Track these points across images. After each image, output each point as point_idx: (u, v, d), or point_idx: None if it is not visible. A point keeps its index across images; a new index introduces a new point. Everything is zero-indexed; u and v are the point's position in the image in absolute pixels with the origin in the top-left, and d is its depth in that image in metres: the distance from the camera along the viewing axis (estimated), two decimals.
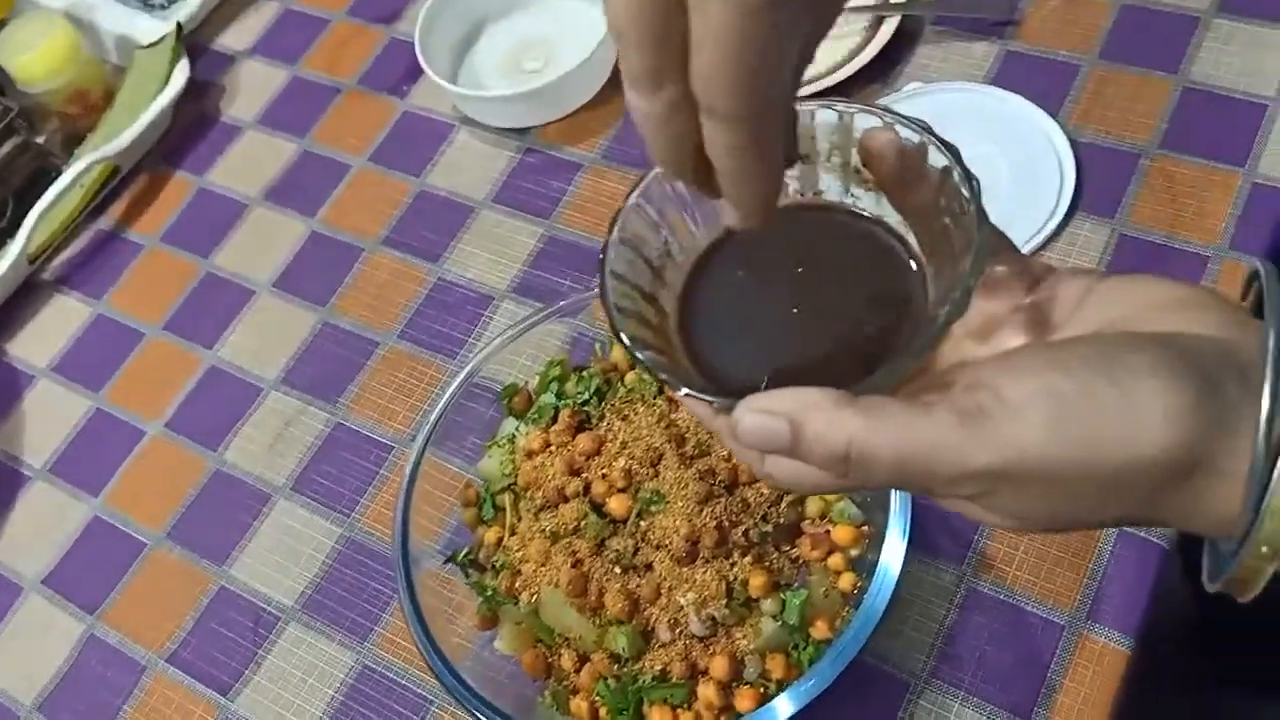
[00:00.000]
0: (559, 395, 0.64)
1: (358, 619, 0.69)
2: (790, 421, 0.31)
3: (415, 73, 0.91)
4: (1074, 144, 0.75)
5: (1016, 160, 0.75)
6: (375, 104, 0.93)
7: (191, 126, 0.97)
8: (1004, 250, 0.37)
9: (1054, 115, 0.76)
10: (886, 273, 0.38)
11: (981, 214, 0.34)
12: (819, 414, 0.31)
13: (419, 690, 0.66)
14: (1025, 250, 0.72)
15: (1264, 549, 0.30)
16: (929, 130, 0.36)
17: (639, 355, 0.35)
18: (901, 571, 0.54)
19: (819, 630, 0.55)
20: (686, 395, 0.34)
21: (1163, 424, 0.29)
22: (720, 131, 0.30)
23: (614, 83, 0.87)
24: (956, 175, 0.35)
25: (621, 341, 0.35)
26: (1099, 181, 0.74)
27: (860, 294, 0.38)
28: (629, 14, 0.29)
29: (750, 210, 0.33)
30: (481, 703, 0.54)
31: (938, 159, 0.36)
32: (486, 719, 0.54)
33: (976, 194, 0.34)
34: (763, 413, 0.32)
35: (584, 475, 0.59)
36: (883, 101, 0.80)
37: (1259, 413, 0.29)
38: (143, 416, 0.81)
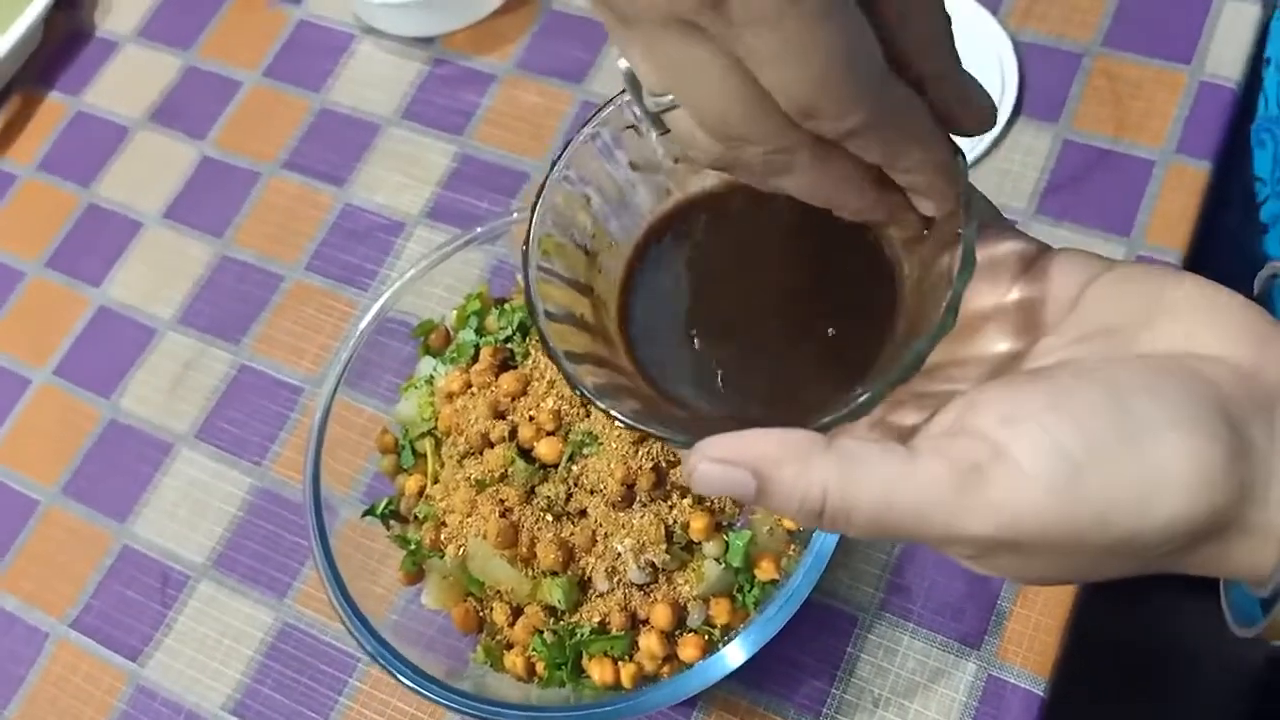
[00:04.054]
0: (479, 331, 0.59)
1: (275, 574, 0.65)
2: (755, 473, 0.27)
3: None
4: (1015, 44, 0.71)
5: None
6: (266, 13, 0.85)
7: (64, 42, 0.88)
8: (990, 225, 0.32)
9: (994, 13, 0.72)
10: (854, 254, 0.33)
11: (969, 206, 0.29)
12: (788, 466, 0.27)
13: (344, 648, 0.62)
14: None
15: None
16: None
17: (584, 390, 0.30)
18: None
19: (764, 571, 0.53)
20: (634, 428, 0.30)
21: (1186, 491, 0.26)
22: (873, 141, 0.28)
23: None
24: None
25: (561, 368, 0.30)
26: (1041, 85, 0.70)
27: (825, 283, 0.33)
28: (747, 118, 0.27)
29: (944, 191, 0.29)
30: (404, 664, 0.51)
31: None
32: (411, 681, 0.50)
33: (962, 173, 0.29)
34: (723, 463, 0.28)
35: (509, 418, 0.55)
36: None
37: None
38: (28, 363, 0.75)
